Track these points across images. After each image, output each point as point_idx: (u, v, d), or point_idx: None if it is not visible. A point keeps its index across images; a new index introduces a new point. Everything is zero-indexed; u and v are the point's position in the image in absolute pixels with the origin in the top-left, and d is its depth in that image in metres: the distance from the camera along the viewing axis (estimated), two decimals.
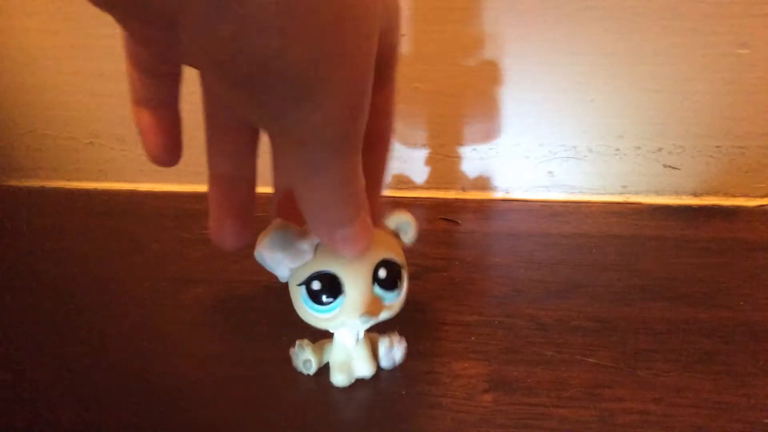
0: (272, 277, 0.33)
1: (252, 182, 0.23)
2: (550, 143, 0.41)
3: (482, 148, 0.41)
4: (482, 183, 0.43)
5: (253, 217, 0.22)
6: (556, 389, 0.26)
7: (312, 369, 0.27)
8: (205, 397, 0.27)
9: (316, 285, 0.23)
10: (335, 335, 0.26)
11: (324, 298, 0.23)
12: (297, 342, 0.27)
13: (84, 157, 0.46)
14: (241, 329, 0.30)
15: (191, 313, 0.32)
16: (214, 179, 0.22)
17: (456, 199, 0.43)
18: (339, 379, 0.26)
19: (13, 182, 0.47)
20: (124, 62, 0.20)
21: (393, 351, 0.27)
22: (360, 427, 0.25)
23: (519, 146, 0.41)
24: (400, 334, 0.28)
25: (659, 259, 0.35)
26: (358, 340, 0.26)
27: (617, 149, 0.40)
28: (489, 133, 0.41)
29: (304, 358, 0.27)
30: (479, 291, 0.33)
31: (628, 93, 0.38)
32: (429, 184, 0.44)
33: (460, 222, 0.40)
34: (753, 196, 0.41)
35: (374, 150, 0.23)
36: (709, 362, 0.28)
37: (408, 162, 0.43)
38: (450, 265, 0.35)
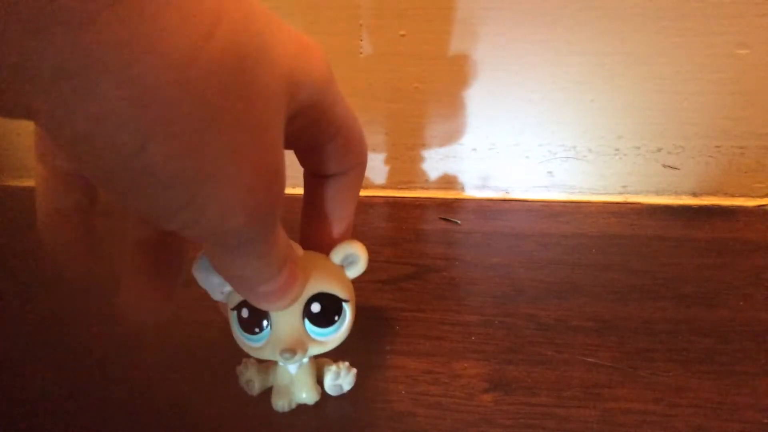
0: None
1: (178, 249, 0.20)
2: (549, 143, 0.41)
3: (482, 148, 0.41)
4: (482, 183, 0.43)
5: (177, 284, 0.20)
6: (556, 389, 0.26)
7: (254, 390, 0.25)
8: (205, 397, 0.26)
9: (245, 313, 0.22)
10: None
11: (252, 328, 0.22)
12: (243, 360, 0.26)
13: None
14: None
15: (192, 313, 0.31)
16: (137, 245, 0.19)
17: (456, 199, 0.43)
18: (279, 404, 0.25)
19: (12, 182, 0.47)
20: None
21: (339, 380, 0.26)
22: (360, 428, 0.25)
23: (519, 146, 0.41)
24: (401, 334, 0.27)
25: (659, 259, 0.35)
26: (300, 365, 0.25)
27: (617, 149, 0.40)
28: (488, 133, 0.41)
29: (247, 378, 0.25)
30: (479, 291, 0.33)
31: (628, 93, 0.38)
32: (429, 184, 0.44)
33: (459, 222, 0.40)
34: (753, 196, 0.41)
35: (334, 184, 0.22)
36: (709, 362, 0.28)
37: (408, 162, 0.43)
38: (450, 265, 0.35)
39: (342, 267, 0.23)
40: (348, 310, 0.23)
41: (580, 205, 0.42)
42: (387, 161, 0.43)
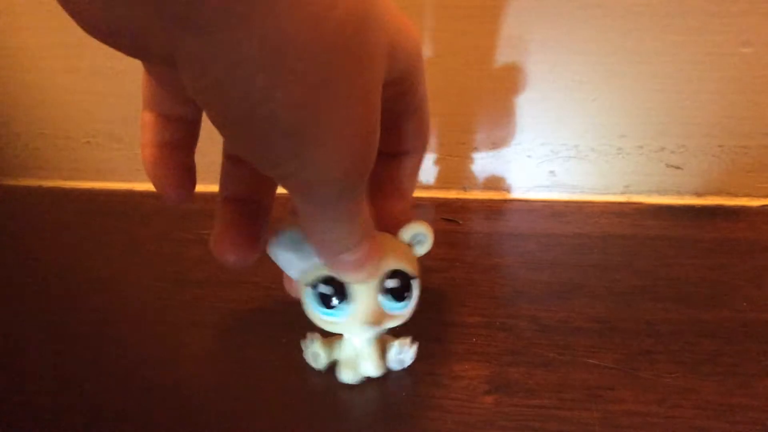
0: (272, 278, 0.32)
1: (267, 207, 0.22)
2: (551, 143, 0.40)
3: (483, 148, 0.41)
4: (483, 183, 0.43)
5: (260, 238, 0.21)
6: (558, 391, 0.26)
7: (321, 363, 0.27)
8: (205, 397, 0.26)
9: (323, 288, 0.23)
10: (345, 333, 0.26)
11: (330, 303, 0.23)
12: (308, 334, 0.27)
13: (81, 156, 0.46)
14: (241, 330, 0.30)
15: (191, 313, 0.31)
16: (225, 199, 0.22)
17: (457, 199, 0.43)
18: (347, 376, 0.26)
19: (11, 181, 0.47)
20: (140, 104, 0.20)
21: (402, 354, 0.27)
22: (360, 429, 0.25)
23: (520, 146, 0.41)
24: (401, 334, 0.27)
25: (662, 260, 0.35)
26: (367, 339, 0.26)
27: (619, 149, 0.40)
28: (490, 133, 0.41)
29: (313, 351, 0.27)
30: (480, 292, 0.33)
31: (631, 92, 0.37)
32: (430, 184, 0.44)
33: (461, 222, 0.40)
34: (756, 196, 0.41)
35: (404, 163, 0.23)
36: (712, 363, 0.27)
37: None
38: (451, 266, 0.35)
39: (410, 246, 0.24)
40: (416, 288, 0.24)
41: (582, 205, 0.41)
42: None
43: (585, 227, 0.39)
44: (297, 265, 0.23)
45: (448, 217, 0.40)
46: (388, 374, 0.27)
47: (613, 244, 0.36)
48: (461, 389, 0.26)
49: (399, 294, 0.23)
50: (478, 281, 0.34)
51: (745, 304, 0.31)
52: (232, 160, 0.22)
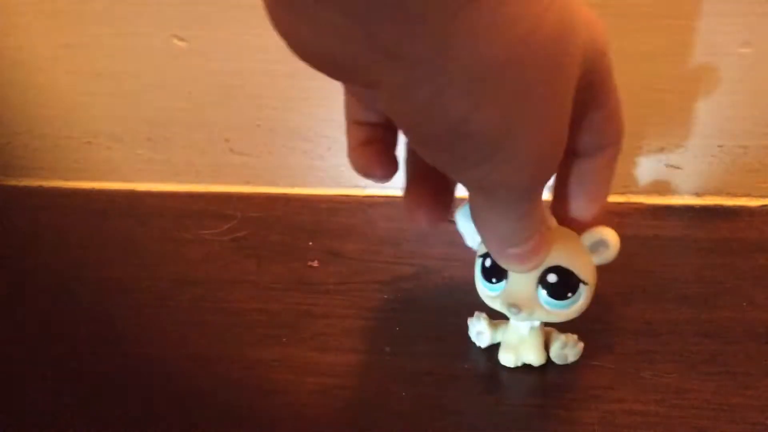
0: (272, 278, 0.32)
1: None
2: None
3: None
4: None
5: (451, 201, 0.22)
6: (557, 390, 0.26)
7: (484, 342, 0.28)
8: (205, 397, 0.26)
9: (488, 262, 0.24)
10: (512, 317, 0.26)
11: (491, 277, 0.24)
12: (476, 313, 0.28)
13: (82, 156, 0.46)
14: (241, 330, 0.30)
15: (191, 313, 0.31)
16: (416, 166, 0.22)
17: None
18: (507, 359, 0.27)
19: (11, 182, 0.47)
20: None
21: (566, 349, 0.27)
22: (360, 429, 0.25)
23: None
24: (401, 334, 0.27)
25: (661, 260, 0.35)
26: (532, 327, 0.26)
27: None
28: None
29: (479, 329, 0.28)
30: None
31: (630, 92, 0.37)
32: None
33: None
34: (756, 196, 0.41)
35: (590, 162, 0.22)
36: (711, 363, 0.27)
37: None
38: (449, 266, 0.35)
39: (589, 250, 0.24)
40: (584, 293, 0.24)
41: None
42: None
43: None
44: (476, 234, 0.22)
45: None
46: (392, 376, 0.27)
47: None
48: (460, 389, 0.26)
49: (559, 292, 0.23)
50: None
51: (744, 304, 0.31)
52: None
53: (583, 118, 0.21)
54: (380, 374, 0.27)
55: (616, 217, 0.40)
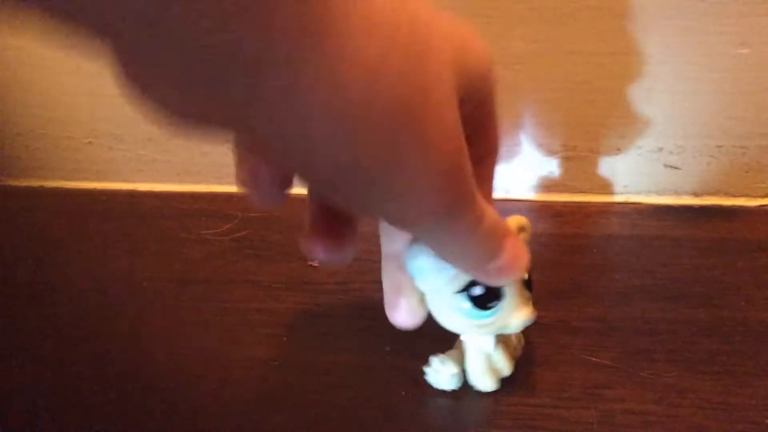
0: (272, 278, 0.32)
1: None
2: (550, 143, 0.40)
3: None
4: None
5: (354, 237, 0.21)
6: (557, 390, 0.26)
7: (458, 383, 0.26)
8: (205, 397, 0.26)
9: (477, 290, 0.22)
10: (469, 342, 0.25)
11: (487, 303, 0.22)
12: (436, 358, 0.26)
13: (83, 156, 0.46)
14: (241, 330, 0.30)
15: (191, 313, 0.31)
16: (315, 204, 0.21)
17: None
18: (489, 384, 0.26)
19: (12, 182, 0.47)
20: None
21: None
22: (360, 429, 0.25)
23: (519, 146, 0.41)
24: (400, 334, 0.27)
25: (660, 260, 0.35)
26: (496, 344, 0.25)
27: (618, 149, 0.40)
28: None
29: (452, 372, 0.26)
30: None
31: (629, 92, 0.37)
32: None
33: None
34: (754, 196, 0.41)
35: (488, 167, 0.22)
36: (710, 362, 0.27)
37: None
38: None
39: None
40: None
41: (581, 205, 0.41)
42: None
43: (583, 227, 0.39)
44: (435, 277, 0.21)
45: None
46: (392, 376, 0.27)
47: (612, 244, 0.37)
48: (461, 388, 0.27)
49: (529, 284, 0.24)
50: None
51: (743, 303, 0.31)
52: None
53: (479, 129, 0.20)
54: (380, 374, 0.27)
55: (614, 217, 0.40)
